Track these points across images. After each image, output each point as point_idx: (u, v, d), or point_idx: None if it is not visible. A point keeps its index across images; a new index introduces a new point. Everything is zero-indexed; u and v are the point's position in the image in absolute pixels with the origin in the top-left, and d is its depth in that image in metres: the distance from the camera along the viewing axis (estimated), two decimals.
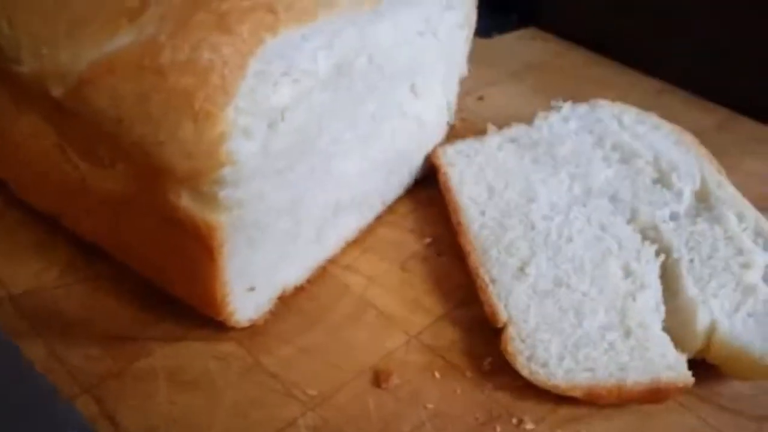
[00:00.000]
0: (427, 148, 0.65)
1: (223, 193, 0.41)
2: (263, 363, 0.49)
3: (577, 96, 0.83)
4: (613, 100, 0.84)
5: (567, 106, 0.71)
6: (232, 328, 0.50)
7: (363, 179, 0.56)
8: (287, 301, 0.54)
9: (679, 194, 0.60)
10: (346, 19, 0.45)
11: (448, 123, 0.68)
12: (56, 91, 0.41)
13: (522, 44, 0.95)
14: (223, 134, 0.39)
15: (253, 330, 0.51)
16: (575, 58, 0.93)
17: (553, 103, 0.72)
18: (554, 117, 0.70)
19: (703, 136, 0.74)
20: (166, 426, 0.45)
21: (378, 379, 0.49)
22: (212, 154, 0.39)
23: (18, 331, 0.49)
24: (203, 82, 0.37)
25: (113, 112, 0.40)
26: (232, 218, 0.43)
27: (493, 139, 0.67)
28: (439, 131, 0.67)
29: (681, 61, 0.87)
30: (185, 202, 0.42)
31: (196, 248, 0.44)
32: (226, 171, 0.40)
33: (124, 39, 0.39)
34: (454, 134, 0.73)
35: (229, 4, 0.38)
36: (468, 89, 0.82)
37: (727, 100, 0.85)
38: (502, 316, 0.51)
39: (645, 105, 0.84)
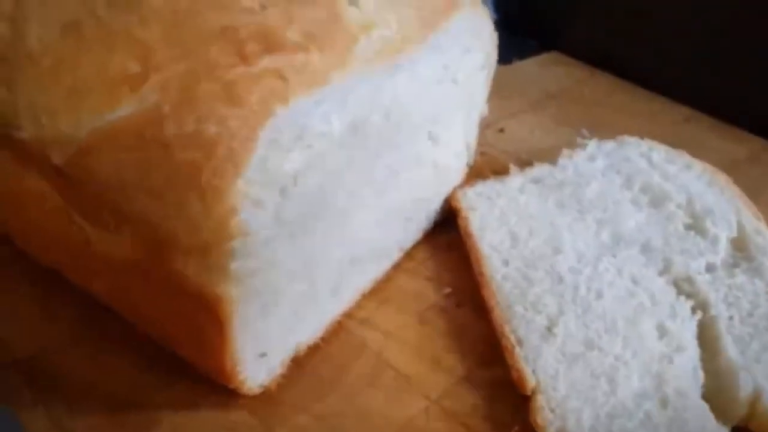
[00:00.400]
0: (446, 191, 0.62)
1: (234, 265, 0.39)
2: None
3: (602, 126, 0.80)
4: (639, 128, 0.81)
5: (593, 144, 0.68)
6: (244, 395, 0.48)
7: (380, 230, 0.54)
8: (301, 362, 0.51)
9: (714, 242, 0.57)
10: (359, 77, 0.42)
11: (467, 164, 0.65)
12: (57, 159, 0.39)
13: (543, 70, 0.92)
14: (233, 208, 0.36)
15: (266, 396, 0.48)
16: (598, 85, 0.90)
17: (579, 140, 0.69)
18: (579, 155, 0.67)
19: (735, 169, 0.71)
20: None
21: None
22: (221, 228, 0.36)
23: (21, 399, 0.47)
24: (210, 155, 0.35)
25: (115, 183, 0.37)
26: (243, 288, 0.41)
27: (515, 179, 0.64)
28: (459, 173, 0.64)
29: (708, 87, 0.84)
30: (193, 272, 0.39)
31: (205, 317, 0.42)
32: (237, 243, 0.38)
33: (126, 108, 0.36)
34: (474, 170, 0.70)
35: (235, 71, 0.36)
36: (488, 121, 0.79)
37: (758, 128, 0.82)
38: (531, 382, 0.47)
39: (672, 134, 0.81)
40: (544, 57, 0.95)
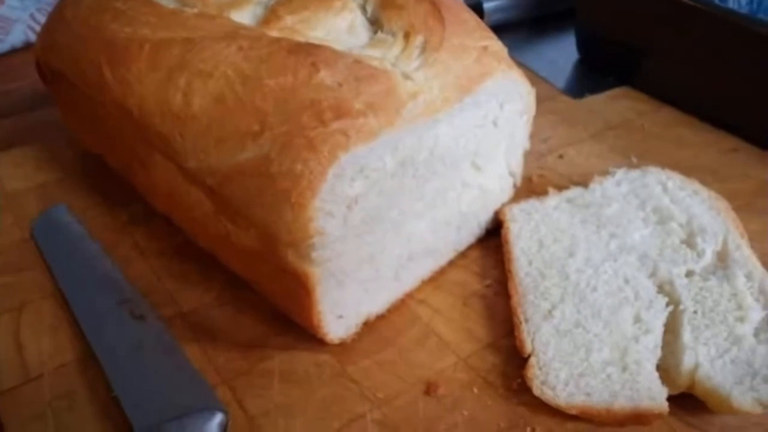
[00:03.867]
0: (495, 206, 0.81)
1: (315, 254, 0.60)
2: (348, 371, 0.67)
3: (652, 154, 0.95)
4: (688, 157, 0.95)
5: (621, 172, 0.84)
6: (328, 343, 0.69)
7: (433, 235, 0.73)
8: (370, 326, 0.71)
9: (700, 254, 0.71)
10: (406, 130, 0.62)
11: (514, 185, 0.83)
12: (209, 182, 0.62)
13: (610, 104, 1.06)
14: (311, 217, 0.57)
15: (343, 346, 0.69)
16: (659, 118, 1.03)
17: (610, 168, 0.85)
18: (608, 181, 0.83)
19: (763, 192, 0.84)
20: (276, 410, 0.64)
21: (429, 389, 0.65)
22: (305, 230, 0.58)
23: (183, 338, 0.70)
24: (297, 184, 0.56)
25: (242, 200, 0.60)
26: (322, 269, 0.62)
27: (552, 199, 0.81)
28: (506, 192, 0.82)
29: (756, 120, 0.96)
30: (291, 257, 0.61)
31: (299, 288, 0.63)
32: (316, 239, 0.59)
33: (249, 152, 0.59)
34: (531, 188, 0.88)
35: (316, 131, 0.57)
36: (551, 147, 0.97)
37: None
38: (528, 348, 0.65)
39: (718, 162, 0.94)
40: (614, 92, 1.08)
